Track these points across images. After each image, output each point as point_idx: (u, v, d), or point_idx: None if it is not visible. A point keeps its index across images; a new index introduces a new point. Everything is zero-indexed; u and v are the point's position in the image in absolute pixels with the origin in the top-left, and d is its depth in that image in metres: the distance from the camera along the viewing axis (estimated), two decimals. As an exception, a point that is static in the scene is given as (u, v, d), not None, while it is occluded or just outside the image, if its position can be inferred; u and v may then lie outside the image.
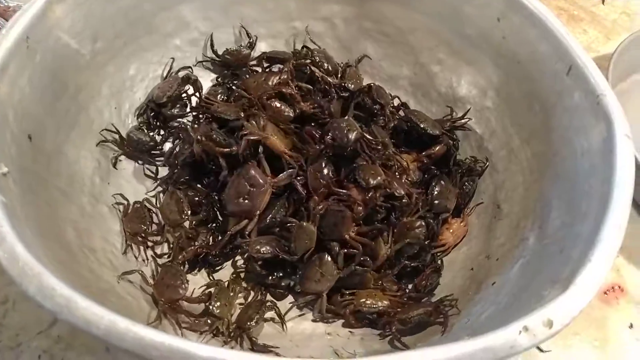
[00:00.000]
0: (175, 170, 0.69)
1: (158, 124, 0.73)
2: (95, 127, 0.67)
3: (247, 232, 0.62)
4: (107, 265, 0.58)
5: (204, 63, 0.80)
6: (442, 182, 0.69)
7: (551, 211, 0.58)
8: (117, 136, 0.69)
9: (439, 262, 0.66)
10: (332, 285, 0.60)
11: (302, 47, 0.80)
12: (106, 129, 0.68)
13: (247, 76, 0.81)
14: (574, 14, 1.03)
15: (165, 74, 0.76)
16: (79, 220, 0.59)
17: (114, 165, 0.68)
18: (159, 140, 0.72)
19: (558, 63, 0.61)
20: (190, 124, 0.75)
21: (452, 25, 0.74)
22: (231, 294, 0.60)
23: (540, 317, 0.40)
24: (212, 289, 0.60)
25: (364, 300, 0.59)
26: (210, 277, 0.65)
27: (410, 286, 0.65)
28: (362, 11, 0.79)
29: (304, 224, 0.60)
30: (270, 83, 0.77)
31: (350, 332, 0.61)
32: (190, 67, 0.78)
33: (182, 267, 0.62)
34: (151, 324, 0.55)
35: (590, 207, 0.51)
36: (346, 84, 0.75)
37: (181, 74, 0.77)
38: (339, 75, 0.77)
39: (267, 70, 0.81)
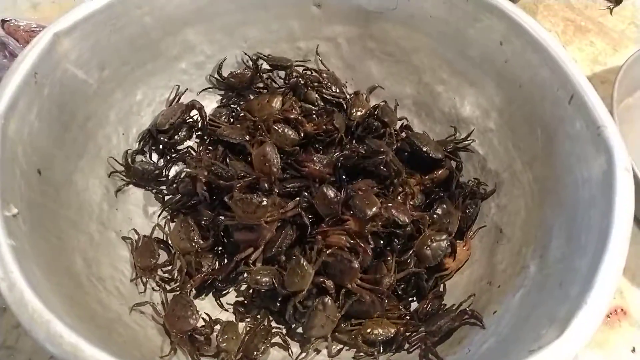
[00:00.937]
0: (178, 197, 0.70)
1: (161, 148, 0.75)
2: (103, 154, 0.69)
3: (251, 261, 0.63)
4: (115, 294, 0.60)
5: (210, 81, 0.81)
6: (444, 206, 0.70)
7: (552, 240, 0.58)
8: (124, 167, 0.70)
9: (442, 287, 0.67)
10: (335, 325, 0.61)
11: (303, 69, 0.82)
12: (114, 158, 0.70)
13: (252, 96, 0.82)
14: (581, 24, 1.02)
15: (170, 100, 0.77)
16: (88, 250, 0.61)
17: (116, 194, 0.69)
18: (162, 166, 0.74)
19: (560, 90, 0.61)
20: (195, 147, 0.77)
21: (456, 46, 0.74)
22: (238, 328, 0.61)
23: (535, 362, 0.40)
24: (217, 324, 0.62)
25: (371, 329, 0.60)
26: (218, 302, 0.66)
27: (412, 309, 0.66)
28: (365, 31, 0.79)
29: (304, 263, 0.60)
30: (274, 105, 0.78)
31: (353, 358, 0.62)
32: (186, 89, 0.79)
33: (189, 294, 0.63)
34: (164, 357, 0.56)
35: (589, 241, 0.51)
36: (351, 113, 0.76)
37: (186, 95, 0.78)
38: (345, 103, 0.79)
39: (269, 91, 0.81)
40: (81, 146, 0.65)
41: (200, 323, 0.61)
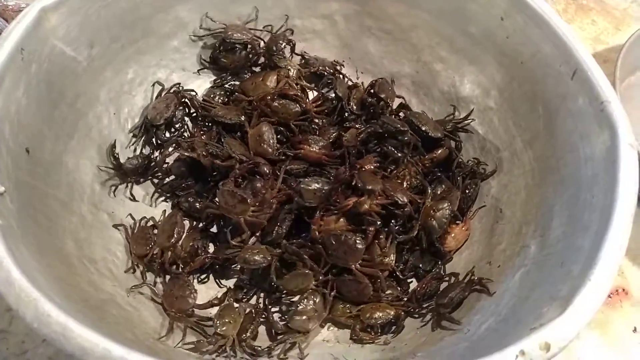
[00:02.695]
0: (172, 178, 0.70)
1: (155, 142, 0.73)
2: (94, 134, 0.67)
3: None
4: (107, 275, 0.58)
5: (202, 63, 0.79)
6: (443, 186, 0.69)
7: (553, 219, 0.57)
8: (114, 169, 0.68)
9: (441, 269, 0.66)
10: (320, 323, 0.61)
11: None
12: (105, 166, 0.68)
13: (248, 75, 0.80)
14: (582, 3, 1.00)
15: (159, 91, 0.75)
16: (79, 231, 0.59)
17: (114, 193, 0.68)
18: (150, 154, 0.72)
19: (562, 65, 0.59)
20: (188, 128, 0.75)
21: (455, 22, 0.72)
22: (236, 310, 0.59)
23: (537, 340, 0.39)
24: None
25: (369, 314, 0.60)
26: (217, 281, 0.65)
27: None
28: (363, 8, 0.78)
29: (308, 272, 0.60)
30: (268, 83, 0.76)
31: (351, 339, 0.61)
32: (179, 83, 0.77)
33: (189, 277, 0.62)
34: (161, 338, 0.55)
35: (592, 219, 0.50)
36: (351, 106, 0.76)
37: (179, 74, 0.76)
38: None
39: (262, 69, 0.80)
40: (71, 126, 0.64)
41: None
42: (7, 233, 0.44)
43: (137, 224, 0.66)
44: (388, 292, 0.63)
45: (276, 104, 0.72)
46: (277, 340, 0.59)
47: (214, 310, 0.60)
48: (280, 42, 0.77)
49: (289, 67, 0.77)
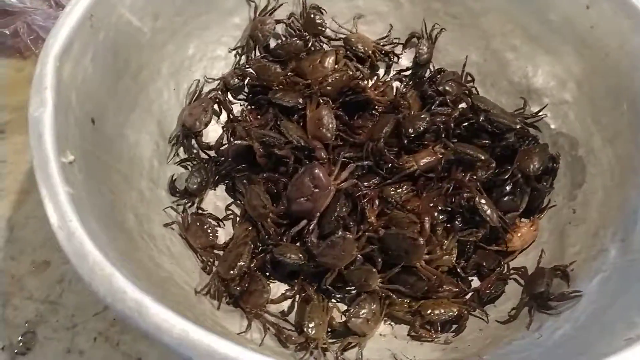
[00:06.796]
0: (227, 160, 0.68)
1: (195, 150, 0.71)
2: (154, 109, 0.66)
3: (305, 233, 0.60)
4: (165, 252, 0.57)
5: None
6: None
7: (637, 223, 0.54)
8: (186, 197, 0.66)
9: (506, 269, 0.62)
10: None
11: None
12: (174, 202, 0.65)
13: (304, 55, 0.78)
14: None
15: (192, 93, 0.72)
16: (139, 206, 0.58)
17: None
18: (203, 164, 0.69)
19: (655, 59, 0.55)
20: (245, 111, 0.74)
21: (533, 8, 0.68)
22: (323, 311, 0.57)
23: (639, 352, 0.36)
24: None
25: (431, 311, 0.57)
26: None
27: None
28: (431, -11, 0.74)
29: (374, 271, 0.59)
30: (326, 65, 0.74)
31: (409, 336, 0.59)
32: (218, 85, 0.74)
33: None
34: (241, 333, 0.54)
35: (687, 226, 0.46)
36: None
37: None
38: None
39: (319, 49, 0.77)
40: (133, 98, 0.62)
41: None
42: (77, 203, 0.42)
43: (189, 219, 0.63)
44: (446, 287, 0.61)
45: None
46: (335, 339, 0.57)
47: (285, 305, 0.60)
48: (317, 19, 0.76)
49: (358, 45, 0.74)
